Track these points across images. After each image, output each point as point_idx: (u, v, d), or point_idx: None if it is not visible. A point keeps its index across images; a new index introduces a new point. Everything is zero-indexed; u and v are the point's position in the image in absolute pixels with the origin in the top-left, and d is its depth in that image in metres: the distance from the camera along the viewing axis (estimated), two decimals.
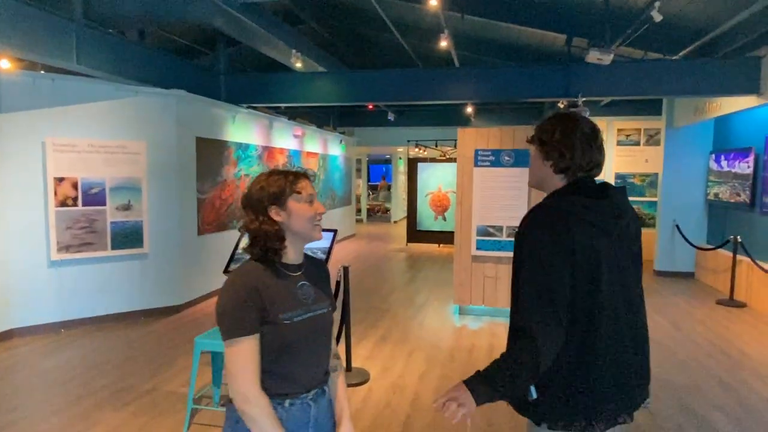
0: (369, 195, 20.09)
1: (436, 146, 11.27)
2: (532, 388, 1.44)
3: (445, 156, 11.49)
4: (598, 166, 1.56)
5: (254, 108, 7.40)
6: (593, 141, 1.54)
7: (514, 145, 5.69)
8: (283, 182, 1.44)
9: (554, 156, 1.54)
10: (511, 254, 1.72)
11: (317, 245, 3.64)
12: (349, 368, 4.11)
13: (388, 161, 21.15)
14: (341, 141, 11.72)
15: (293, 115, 9.55)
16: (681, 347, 4.95)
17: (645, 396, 1.58)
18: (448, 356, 4.64)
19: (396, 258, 10.09)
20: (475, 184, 5.76)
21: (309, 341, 1.47)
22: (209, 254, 6.47)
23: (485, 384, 1.37)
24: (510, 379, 1.36)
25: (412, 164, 11.19)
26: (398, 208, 16.97)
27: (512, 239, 1.67)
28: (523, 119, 11.57)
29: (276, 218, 1.43)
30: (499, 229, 5.72)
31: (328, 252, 3.60)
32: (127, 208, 5.50)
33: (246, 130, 7.43)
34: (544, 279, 1.41)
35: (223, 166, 6.80)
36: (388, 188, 19.30)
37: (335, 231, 3.71)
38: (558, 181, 1.56)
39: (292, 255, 1.49)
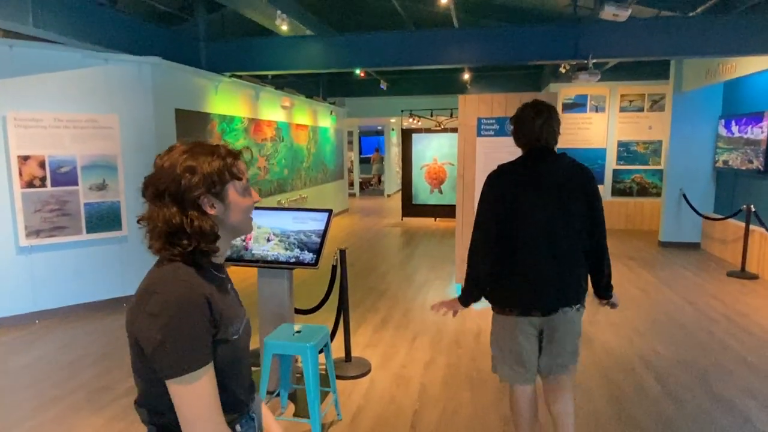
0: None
1: (432, 116, 10.80)
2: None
3: (440, 126, 11.04)
4: (543, 139, 2.20)
5: (238, 77, 6.87)
6: (534, 122, 2.19)
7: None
8: (220, 164, 1.12)
9: (515, 136, 2.33)
10: None
11: (311, 228, 3.26)
12: (348, 358, 3.79)
13: (380, 133, 20.60)
14: (331, 112, 11.21)
15: (281, 84, 9.01)
16: (697, 325, 4.67)
17: (564, 303, 2.20)
18: (454, 341, 4.32)
19: (391, 234, 9.74)
20: (479, 155, 5.36)
21: (246, 354, 1.22)
22: None
23: (462, 296, 2.27)
24: (468, 291, 2.25)
25: (406, 135, 10.73)
26: (392, 182, 16.55)
27: None
28: (523, 86, 11.10)
29: (210, 211, 1.12)
30: None
31: (323, 235, 3.22)
32: (101, 187, 5.05)
33: (230, 102, 6.94)
34: (482, 217, 2.22)
35: (207, 140, 6.32)
36: (382, 160, 18.84)
37: (330, 211, 3.32)
38: (522, 152, 2.30)
39: (221, 254, 1.18)
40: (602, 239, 2.25)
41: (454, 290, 5.76)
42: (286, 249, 3.21)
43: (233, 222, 1.16)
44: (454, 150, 10.73)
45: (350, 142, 18.05)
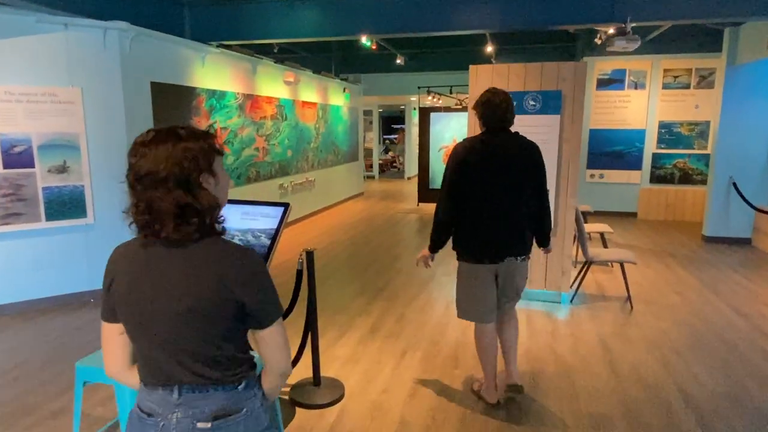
0: (387, 150, 18.89)
1: (451, 93, 9.95)
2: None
3: (461, 104, 10.19)
4: (506, 120, 2.73)
5: (227, 47, 6.21)
6: (500, 107, 2.69)
7: (541, 85, 4.46)
8: (207, 143, 1.22)
9: (482, 117, 2.76)
10: None
11: (262, 226, 2.61)
12: (317, 381, 3.16)
13: (402, 112, 19.75)
14: (345, 89, 10.48)
15: (281, 59, 8.32)
16: (751, 344, 3.85)
17: (512, 254, 2.74)
18: (451, 357, 3.64)
19: (405, 221, 9.04)
20: None
21: None
22: None
23: (434, 243, 2.82)
24: (435, 240, 2.81)
25: (424, 114, 9.94)
26: (412, 164, 15.77)
27: None
28: (554, 59, 10.09)
29: (207, 188, 1.20)
30: None
31: (274, 236, 2.56)
32: (62, 170, 4.52)
33: (221, 75, 6.30)
34: (449, 180, 2.71)
35: (192, 117, 5.74)
36: (403, 141, 18.05)
37: (287, 206, 2.66)
38: (481, 129, 2.79)
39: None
40: (545, 203, 2.81)
41: None
42: None
43: (221, 194, 1.25)
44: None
45: (370, 122, 17.33)
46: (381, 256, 6.47)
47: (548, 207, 2.83)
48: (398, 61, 10.40)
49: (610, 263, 5.89)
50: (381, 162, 17.24)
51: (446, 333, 4.06)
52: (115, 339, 1.27)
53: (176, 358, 1.19)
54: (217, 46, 5.93)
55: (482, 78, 4.62)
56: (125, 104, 4.76)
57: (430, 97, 10.69)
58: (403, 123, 19.15)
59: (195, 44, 5.71)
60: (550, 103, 4.43)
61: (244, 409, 1.25)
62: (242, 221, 2.65)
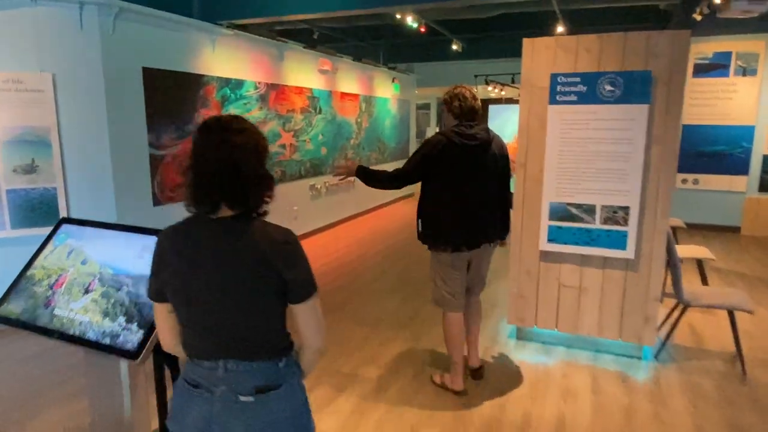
0: None
1: (513, 82, 8.68)
2: (419, 225, 2.90)
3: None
4: (470, 112, 2.84)
5: (242, 28, 5.38)
6: (470, 100, 2.85)
7: (623, 64, 3.25)
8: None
9: (453, 110, 2.83)
10: (606, 251, 3.33)
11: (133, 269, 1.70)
12: None
13: None
14: (393, 79, 9.48)
15: (311, 42, 7.41)
16: None
17: (487, 240, 2.91)
18: None
19: None
20: (552, 133, 3.44)
21: None
22: None
23: (365, 174, 2.88)
24: (375, 181, 2.88)
25: (482, 107, 8.73)
26: None
27: (609, 228, 3.26)
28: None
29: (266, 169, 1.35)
30: (589, 210, 3.41)
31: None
32: (30, 170, 3.87)
33: (236, 61, 5.51)
34: (414, 159, 2.80)
35: (198, 109, 4.98)
36: None
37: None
38: (453, 122, 2.83)
39: None
40: (509, 192, 3.05)
41: (505, 335, 3.94)
42: (107, 314, 1.68)
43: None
44: None
45: (427, 114, 16.23)
46: (414, 276, 5.44)
47: (511, 197, 3.22)
48: (454, 47, 9.24)
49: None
50: None
51: (478, 395, 2.99)
52: (165, 317, 1.33)
53: (221, 334, 1.26)
54: (228, 26, 5.11)
55: (540, 55, 3.47)
56: (107, 93, 4.05)
57: (489, 88, 9.46)
58: None
59: (202, 24, 4.93)
60: (634, 88, 3.21)
61: (284, 385, 1.30)
62: (134, 258, 1.76)
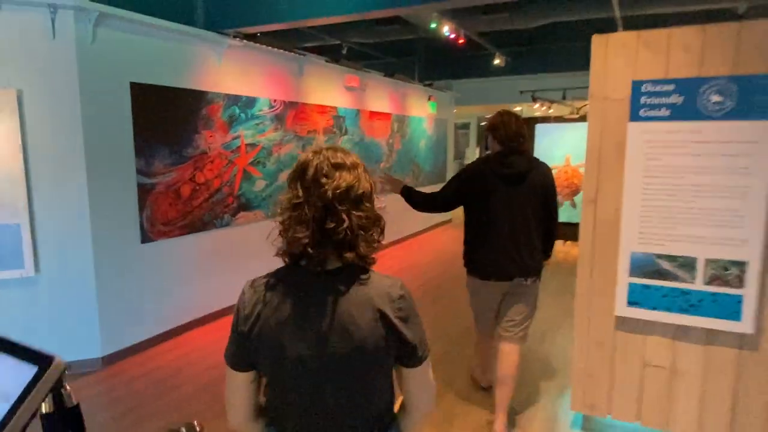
0: None
1: (564, 98, 7.77)
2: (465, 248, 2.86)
3: (577, 113, 7.95)
4: (516, 140, 2.68)
5: (252, 38, 4.73)
6: (512, 126, 2.68)
7: (737, 66, 2.35)
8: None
9: (496, 137, 2.70)
10: (712, 322, 2.46)
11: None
12: None
13: None
14: (429, 97, 8.72)
15: (334, 55, 6.74)
16: None
17: (519, 275, 2.68)
18: None
19: None
20: (632, 160, 2.55)
21: None
22: (166, 270, 4.11)
23: (408, 193, 2.86)
24: (415, 201, 2.88)
25: (528, 126, 7.84)
26: None
27: (717, 290, 2.44)
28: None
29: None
30: (688, 264, 2.48)
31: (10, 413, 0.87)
32: None
33: (247, 76, 4.87)
34: (450, 185, 2.83)
35: (200, 131, 4.33)
36: None
37: (47, 362, 0.95)
38: (497, 148, 2.71)
39: None
40: (554, 225, 2.83)
41: (567, 424, 3.00)
42: None
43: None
44: None
45: (465, 134, 15.40)
46: (450, 324, 4.56)
47: (556, 229, 2.87)
48: (496, 61, 8.43)
49: None
50: None
51: None
52: (244, 388, 1.16)
53: (328, 408, 1.10)
54: (235, 36, 4.48)
55: (617, 56, 2.60)
56: (84, 113, 3.44)
57: (536, 105, 8.57)
58: None
59: (205, 34, 4.31)
60: (754, 98, 2.31)
61: None
62: None
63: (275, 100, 5.20)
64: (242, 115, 4.79)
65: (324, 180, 1.06)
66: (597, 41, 2.66)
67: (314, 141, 5.85)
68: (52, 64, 3.33)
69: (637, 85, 2.52)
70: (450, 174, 10.15)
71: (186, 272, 4.29)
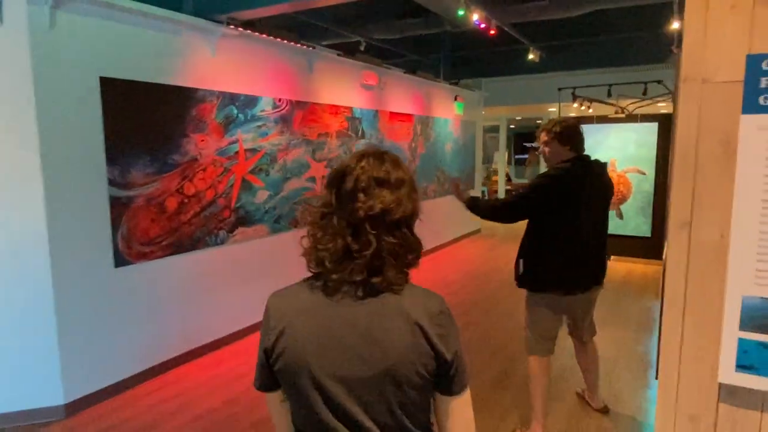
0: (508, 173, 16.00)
1: (610, 96, 6.95)
2: (521, 265, 2.68)
3: (622, 112, 7.12)
4: (582, 145, 2.64)
5: (251, 27, 4.11)
6: (578, 132, 2.64)
7: None
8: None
9: (567, 145, 2.61)
10: None
11: None
12: None
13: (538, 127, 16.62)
14: (456, 97, 8.01)
15: (349, 49, 6.08)
16: None
17: (597, 282, 2.70)
18: None
19: None
20: (746, 166, 1.80)
21: None
22: (146, 298, 3.51)
23: (474, 204, 2.68)
24: (480, 211, 2.68)
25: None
26: None
27: None
28: None
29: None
30: None
31: None
32: None
33: (247, 71, 4.26)
34: (530, 191, 2.60)
35: (188, 134, 3.74)
36: (538, 163, 15.01)
37: None
38: (568, 155, 2.62)
39: None
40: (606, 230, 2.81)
41: None
42: None
43: None
44: (645, 149, 6.80)
45: (494, 138, 14.59)
46: (482, 359, 3.83)
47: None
48: (530, 56, 7.67)
49: None
50: (509, 189, 14.36)
51: None
52: (278, 408, 1.11)
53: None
54: (229, 24, 3.87)
55: (720, 19, 1.85)
56: (40, 113, 2.87)
57: (575, 104, 7.76)
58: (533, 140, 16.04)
59: (195, 21, 3.72)
60: None
61: None
62: None
63: (280, 100, 4.58)
64: (241, 116, 4.18)
65: (360, 195, 0.96)
66: (693, 4, 1.92)
67: (326, 145, 5.21)
68: None
69: (754, 62, 1.77)
70: (478, 181, 9.38)
71: (171, 299, 3.68)
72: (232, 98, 4.08)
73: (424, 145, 7.24)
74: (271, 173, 4.53)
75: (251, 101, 4.27)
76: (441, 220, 7.86)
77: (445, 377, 1.01)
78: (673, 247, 2.00)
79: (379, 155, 1.01)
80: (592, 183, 2.61)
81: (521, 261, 2.67)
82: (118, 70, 3.26)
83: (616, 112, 7.26)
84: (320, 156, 5.14)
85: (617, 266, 6.75)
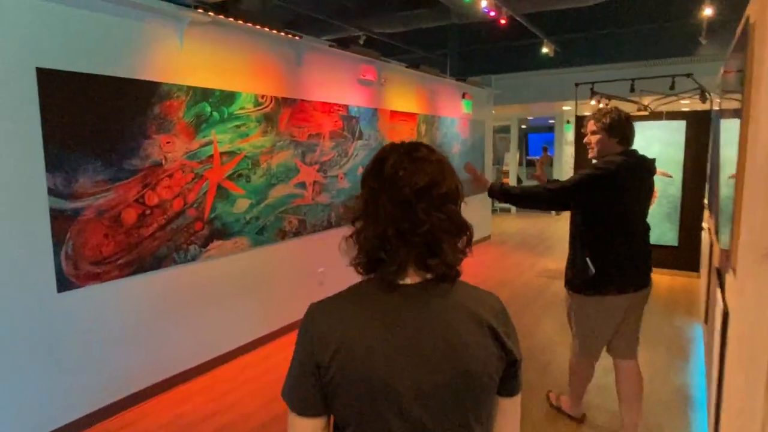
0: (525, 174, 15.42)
1: (632, 91, 6.36)
2: (590, 264, 2.45)
3: (645, 109, 6.54)
4: (633, 137, 2.52)
5: (223, 10, 3.60)
6: (630, 124, 2.50)
7: None
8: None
9: (616, 136, 2.47)
10: None
11: None
12: None
13: (551, 129, 16.01)
14: (464, 94, 7.46)
15: (347, 43, 5.58)
16: None
17: (643, 284, 2.52)
18: None
19: (551, 293, 5.65)
20: None
21: None
22: (99, 327, 3.01)
23: (503, 193, 2.46)
24: (520, 197, 2.50)
25: (583, 125, 6.49)
26: None
27: None
28: None
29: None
30: None
31: None
32: None
33: (221, 63, 3.76)
34: (583, 177, 2.41)
35: (151, 135, 3.24)
36: (552, 163, 14.38)
37: None
38: (617, 148, 2.48)
39: None
40: None
41: None
42: None
43: None
44: (671, 149, 6.19)
45: (504, 138, 14.04)
46: None
47: None
48: (544, 50, 7.10)
49: None
50: None
51: None
52: None
53: None
54: (197, 7, 3.36)
55: None
56: None
57: (593, 101, 7.17)
58: (543, 140, 15.42)
59: (157, 3, 3.21)
60: None
61: None
62: None
63: (263, 96, 4.07)
64: (215, 114, 3.68)
65: (402, 173, 0.91)
66: None
67: (317, 147, 4.69)
68: None
69: None
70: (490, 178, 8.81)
71: (130, 325, 3.18)
72: (204, 94, 3.58)
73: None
74: (253, 179, 4.02)
75: (228, 98, 3.77)
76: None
77: (510, 377, 0.97)
78: (746, 285, 1.46)
79: (414, 143, 0.98)
80: (642, 178, 2.50)
81: (579, 260, 2.50)
82: (60, 61, 2.76)
83: (639, 110, 6.67)
84: (311, 159, 4.62)
85: (656, 279, 6.16)
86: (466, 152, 7.78)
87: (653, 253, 2.59)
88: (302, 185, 4.54)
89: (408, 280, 0.92)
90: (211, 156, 3.65)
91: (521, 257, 7.55)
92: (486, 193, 2.47)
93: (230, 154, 3.80)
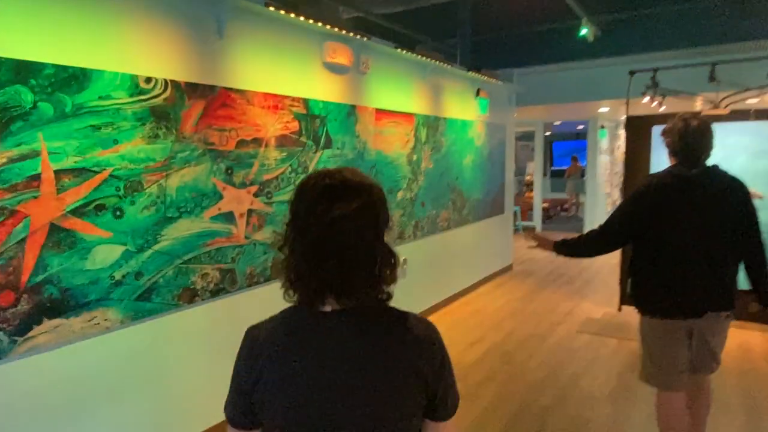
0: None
1: (713, 81, 4.66)
2: (630, 283, 2.40)
3: (721, 107, 4.86)
4: (694, 152, 2.24)
5: None
6: (687, 136, 2.23)
7: None
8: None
9: (673, 146, 2.30)
10: None
11: None
12: None
13: (579, 136, 14.25)
14: (478, 91, 5.85)
15: (322, 17, 3.98)
16: None
17: (713, 309, 2.24)
18: None
19: (590, 356, 3.97)
20: None
21: None
22: None
23: (567, 247, 2.42)
24: (579, 250, 2.46)
25: (638, 128, 4.87)
26: (597, 209, 10.32)
27: None
28: None
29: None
30: None
31: None
32: None
33: (60, 21, 2.24)
34: (619, 209, 2.41)
35: None
36: (582, 174, 12.69)
37: None
38: (671, 161, 2.35)
39: None
40: (759, 248, 2.31)
41: None
42: None
43: None
44: (765, 161, 4.58)
45: (526, 145, 12.41)
46: None
47: (765, 253, 2.31)
48: (584, 32, 5.46)
49: None
50: (545, 207, 12.08)
51: None
52: None
53: None
54: None
55: None
56: None
57: (645, 99, 5.50)
58: (573, 148, 13.65)
59: None
60: None
61: None
62: None
63: (150, 80, 2.55)
64: (45, 106, 2.16)
65: (324, 200, 0.91)
66: None
67: (255, 160, 3.15)
68: None
69: None
70: (509, 201, 7.17)
71: None
72: (19, 70, 2.07)
73: (432, 157, 5.10)
74: (129, 212, 2.49)
75: (75, 79, 2.25)
76: (457, 259, 5.70)
77: (439, 405, 0.99)
78: None
79: (342, 168, 0.97)
80: (703, 196, 2.22)
81: (629, 280, 2.40)
82: None
83: (711, 108, 4.99)
84: (243, 178, 3.08)
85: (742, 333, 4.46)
86: (482, 164, 6.16)
87: (742, 300, 2.29)
88: (227, 217, 2.99)
89: (328, 308, 0.93)
90: (35, 177, 2.13)
91: (553, 298, 5.89)
92: (556, 251, 2.45)
93: (78, 173, 2.27)
